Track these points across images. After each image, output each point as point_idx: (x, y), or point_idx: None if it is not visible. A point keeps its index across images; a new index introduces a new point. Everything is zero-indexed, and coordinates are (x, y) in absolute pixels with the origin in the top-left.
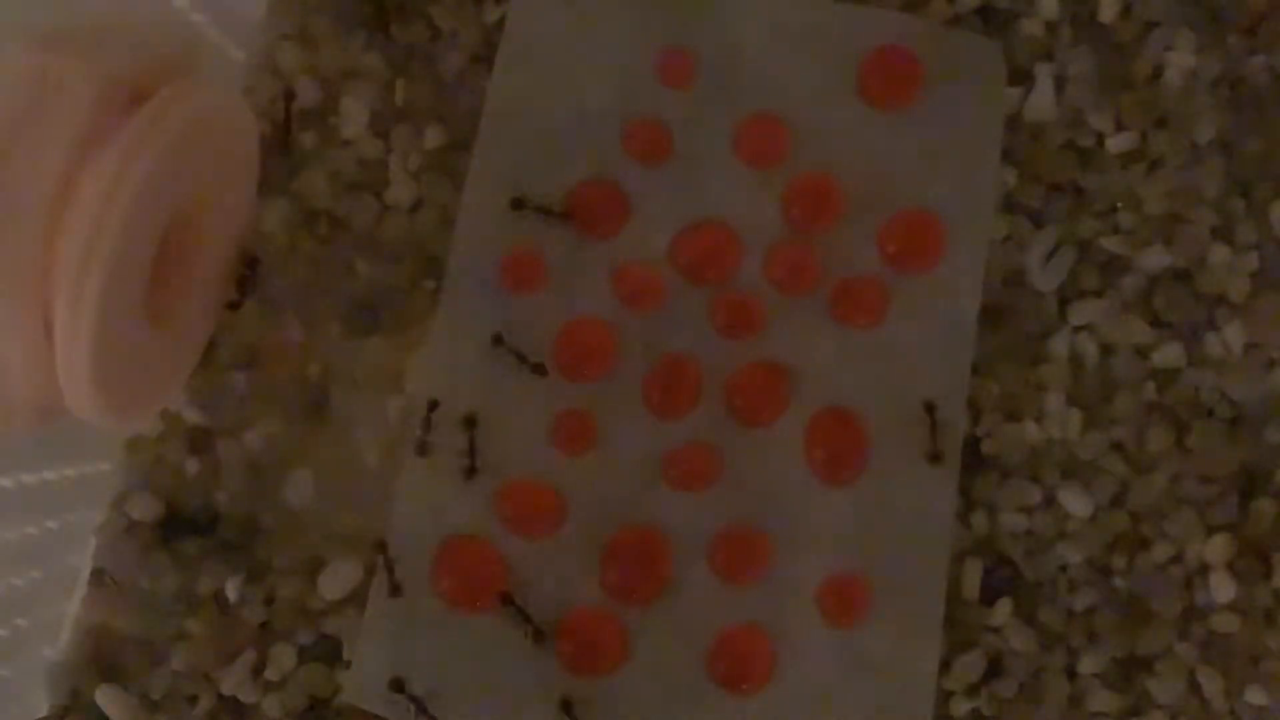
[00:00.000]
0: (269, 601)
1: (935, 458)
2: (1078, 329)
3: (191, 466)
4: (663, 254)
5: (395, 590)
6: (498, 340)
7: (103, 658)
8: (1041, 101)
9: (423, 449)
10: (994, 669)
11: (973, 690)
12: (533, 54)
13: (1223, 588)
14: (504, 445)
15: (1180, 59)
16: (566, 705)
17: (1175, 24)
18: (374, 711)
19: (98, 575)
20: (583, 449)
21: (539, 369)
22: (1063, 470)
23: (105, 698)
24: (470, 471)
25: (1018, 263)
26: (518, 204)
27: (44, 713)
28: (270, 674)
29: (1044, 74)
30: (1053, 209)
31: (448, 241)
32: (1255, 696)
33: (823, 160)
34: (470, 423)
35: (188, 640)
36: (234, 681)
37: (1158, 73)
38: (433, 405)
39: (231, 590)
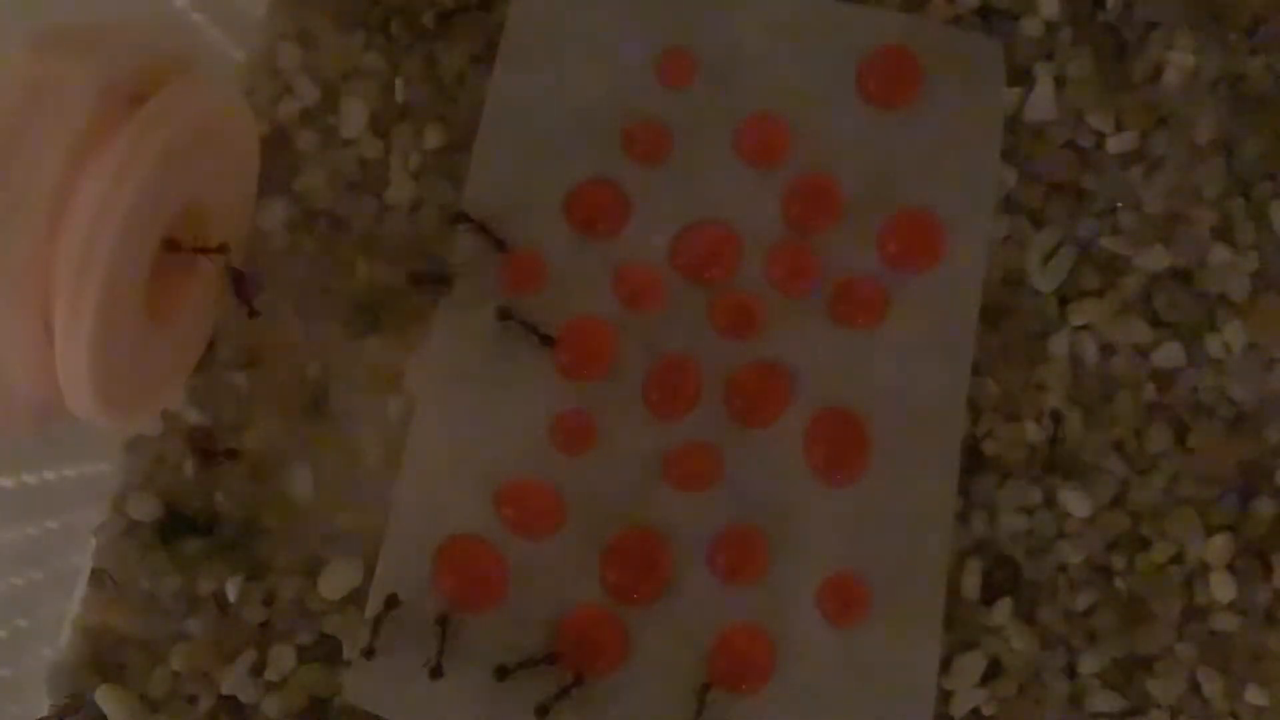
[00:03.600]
0: (269, 601)
1: None
2: (1078, 329)
3: (191, 466)
4: (663, 254)
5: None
6: (505, 315)
7: (103, 658)
8: (1041, 101)
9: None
10: (994, 669)
11: (972, 690)
12: (533, 54)
13: (1223, 588)
14: (504, 445)
15: (1180, 59)
16: (541, 710)
17: (1175, 24)
18: (374, 711)
19: (98, 575)
20: (583, 449)
21: (547, 340)
22: (1063, 470)
23: (105, 698)
24: (435, 672)
25: (1018, 263)
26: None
27: (44, 713)
28: (270, 674)
29: (1044, 74)
30: (1053, 209)
31: (448, 241)
32: (1255, 696)
33: (823, 160)
34: (443, 622)
35: (188, 640)
36: (234, 681)
37: (1158, 73)
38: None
39: (231, 590)
